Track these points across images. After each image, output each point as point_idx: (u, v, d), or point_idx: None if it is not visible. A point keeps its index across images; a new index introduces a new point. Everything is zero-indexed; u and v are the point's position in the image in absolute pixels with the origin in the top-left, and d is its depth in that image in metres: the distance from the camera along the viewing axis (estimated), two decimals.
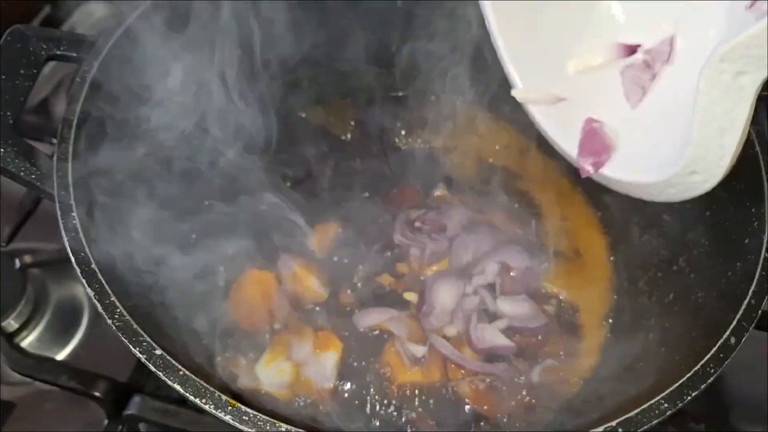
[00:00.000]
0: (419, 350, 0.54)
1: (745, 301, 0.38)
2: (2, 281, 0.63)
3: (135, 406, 0.55)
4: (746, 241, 0.42)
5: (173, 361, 0.33)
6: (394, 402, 0.52)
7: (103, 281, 0.36)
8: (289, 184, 0.62)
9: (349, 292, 0.59)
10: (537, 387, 0.53)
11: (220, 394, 0.32)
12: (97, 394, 0.56)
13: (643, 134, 0.36)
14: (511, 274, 0.59)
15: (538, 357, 0.55)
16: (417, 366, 0.54)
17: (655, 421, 0.33)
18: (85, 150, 0.42)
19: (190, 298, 0.52)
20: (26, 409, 0.63)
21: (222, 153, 0.56)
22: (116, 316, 0.35)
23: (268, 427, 0.32)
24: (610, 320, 0.57)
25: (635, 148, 0.36)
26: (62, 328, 0.66)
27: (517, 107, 0.63)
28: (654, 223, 0.55)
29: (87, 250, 0.37)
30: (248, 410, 0.32)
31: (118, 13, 0.48)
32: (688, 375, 0.35)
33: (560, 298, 0.59)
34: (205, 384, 0.33)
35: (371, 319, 0.56)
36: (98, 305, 0.35)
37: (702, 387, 0.34)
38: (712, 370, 0.35)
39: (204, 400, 0.32)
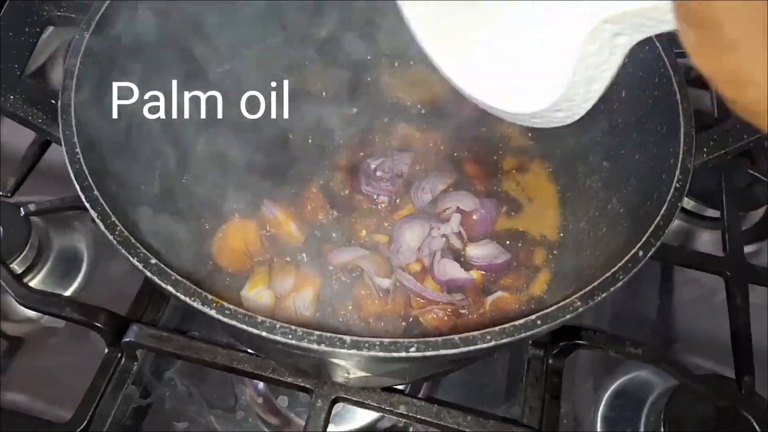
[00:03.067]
0: (385, 283, 0.61)
1: (654, 222, 0.44)
2: (8, 228, 0.69)
3: (132, 333, 0.61)
4: (663, 176, 0.48)
5: (166, 268, 0.40)
6: (363, 327, 0.59)
7: (105, 205, 0.42)
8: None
9: (326, 237, 0.65)
10: (490, 314, 0.60)
11: (206, 294, 0.39)
12: (98, 324, 0.62)
13: (514, 69, 0.39)
14: (474, 217, 0.66)
15: (492, 289, 0.62)
16: (384, 297, 0.61)
17: (569, 316, 0.40)
18: (86, 96, 0.48)
19: (179, 238, 0.58)
20: (33, 344, 0.70)
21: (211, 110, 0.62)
22: (116, 233, 0.41)
23: (246, 319, 0.38)
24: (556, 256, 0.64)
25: (506, 80, 0.39)
26: (64, 272, 0.73)
27: None
28: (596, 170, 0.62)
29: (90, 180, 0.43)
30: (230, 306, 0.38)
31: None
32: (599, 280, 0.41)
33: (517, 238, 0.66)
34: (193, 285, 0.39)
35: (344, 257, 0.63)
36: (101, 224, 0.41)
37: (611, 289, 0.41)
38: (620, 277, 0.42)
39: (193, 298, 0.39)
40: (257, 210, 0.64)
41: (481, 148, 0.71)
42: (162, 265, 0.40)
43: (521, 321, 0.39)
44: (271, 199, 0.65)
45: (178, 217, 0.58)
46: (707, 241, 0.82)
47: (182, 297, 0.39)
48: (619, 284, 0.42)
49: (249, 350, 0.61)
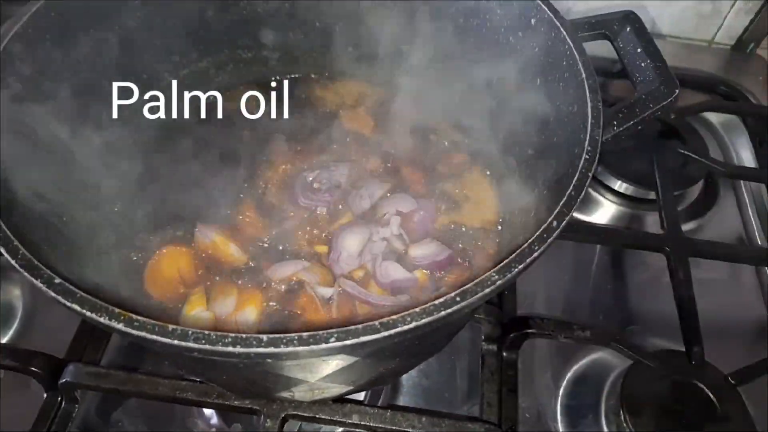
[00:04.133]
0: (327, 292, 0.60)
1: (567, 192, 0.45)
2: None
3: (69, 373, 0.59)
4: (576, 150, 0.49)
5: (71, 287, 0.38)
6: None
7: (6, 230, 0.41)
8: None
9: (266, 253, 0.64)
10: None
11: (114, 308, 0.37)
12: (33, 368, 0.59)
13: None
14: (414, 218, 0.66)
15: (437, 287, 0.61)
16: (328, 306, 0.60)
17: (487, 290, 0.39)
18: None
19: (106, 268, 0.56)
20: None
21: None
22: (19, 256, 0.40)
23: (156, 329, 0.37)
24: (497, 247, 0.64)
25: None
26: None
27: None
28: (524, 159, 0.63)
29: None
30: (139, 317, 0.37)
31: None
32: (516, 252, 0.41)
33: (458, 234, 0.66)
34: (100, 301, 0.38)
35: (284, 271, 0.61)
36: (2, 249, 0.40)
37: (527, 261, 0.41)
38: (536, 248, 0.42)
39: (99, 314, 0.37)
40: (190, 236, 0.63)
41: (417, 152, 0.72)
42: (67, 284, 0.38)
43: (440, 300, 0.39)
44: (204, 223, 0.64)
45: (106, 249, 0.57)
46: (652, 224, 0.83)
47: (88, 314, 0.37)
48: (536, 255, 0.42)
49: (193, 378, 0.58)
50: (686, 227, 0.79)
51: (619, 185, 0.82)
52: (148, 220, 0.62)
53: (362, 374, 0.52)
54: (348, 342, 0.37)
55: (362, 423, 0.56)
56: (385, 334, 0.37)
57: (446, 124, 0.73)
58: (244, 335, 0.37)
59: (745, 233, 0.82)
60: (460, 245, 0.65)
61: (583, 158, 0.47)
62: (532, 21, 0.60)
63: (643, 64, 0.54)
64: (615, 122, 0.52)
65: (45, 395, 0.61)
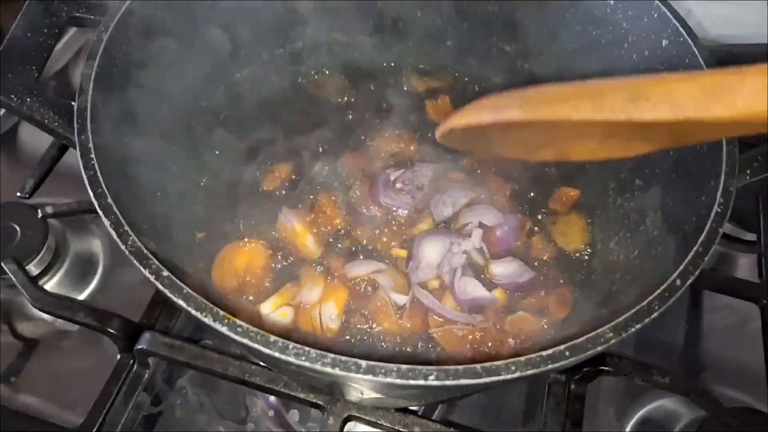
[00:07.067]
0: (401, 299, 0.58)
1: (693, 248, 0.41)
2: (25, 229, 0.68)
3: (145, 341, 0.60)
4: (703, 198, 0.45)
5: (178, 281, 0.38)
6: (377, 343, 0.57)
7: (118, 213, 0.41)
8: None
9: (340, 250, 0.62)
10: (510, 335, 0.57)
11: (218, 309, 0.37)
12: (111, 330, 0.61)
13: None
14: (497, 233, 0.64)
15: (515, 309, 0.59)
16: (399, 313, 0.59)
17: (600, 348, 0.37)
18: (102, 101, 0.47)
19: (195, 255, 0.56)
20: (47, 346, 0.70)
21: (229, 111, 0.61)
22: (129, 243, 0.40)
23: (258, 338, 0.37)
24: (583, 277, 0.61)
25: None
26: (80, 276, 0.73)
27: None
28: (628, 188, 0.59)
29: (104, 187, 0.42)
30: (242, 323, 0.37)
31: None
32: (633, 310, 0.39)
33: (542, 258, 0.63)
34: (205, 300, 0.38)
35: (360, 270, 0.60)
36: (113, 233, 0.40)
37: (646, 320, 0.39)
38: (656, 307, 0.39)
39: (204, 314, 0.37)
40: (271, 224, 0.62)
41: (506, 161, 0.69)
42: (174, 278, 0.38)
43: (549, 351, 0.37)
44: (288, 207, 0.63)
45: (196, 227, 0.57)
46: (744, 266, 0.78)
47: (193, 312, 0.37)
48: (655, 315, 0.39)
49: (261, 363, 0.59)
50: None
51: None
52: (234, 203, 0.61)
53: (438, 396, 0.52)
54: (447, 382, 0.36)
55: None
56: (487, 380, 0.36)
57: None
58: (343, 358, 0.36)
59: None
60: (544, 269, 0.62)
61: (714, 211, 0.43)
62: (663, 42, 0.55)
63: None
64: (749, 171, 0.47)
65: (119, 356, 0.63)
